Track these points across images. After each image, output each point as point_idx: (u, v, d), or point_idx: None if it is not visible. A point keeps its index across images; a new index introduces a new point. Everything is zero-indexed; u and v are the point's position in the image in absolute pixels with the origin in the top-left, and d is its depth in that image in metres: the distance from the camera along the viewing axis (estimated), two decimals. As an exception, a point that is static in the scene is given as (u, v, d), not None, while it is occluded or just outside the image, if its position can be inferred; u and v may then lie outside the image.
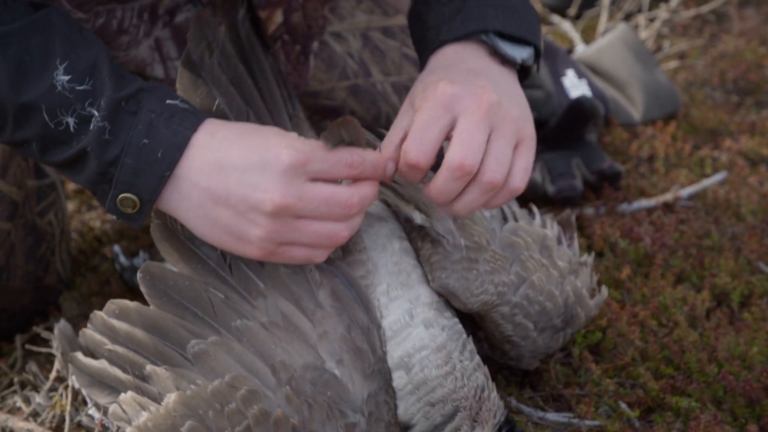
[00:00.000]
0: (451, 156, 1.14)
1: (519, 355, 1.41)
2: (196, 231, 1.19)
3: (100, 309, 1.30)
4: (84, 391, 1.39)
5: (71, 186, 2.03)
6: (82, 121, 1.14)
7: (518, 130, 1.19)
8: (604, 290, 1.54)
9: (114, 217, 1.20)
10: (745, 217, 1.95)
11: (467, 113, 1.15)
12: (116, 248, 1.80)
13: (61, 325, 1.48)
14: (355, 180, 1.17)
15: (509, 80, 1.26)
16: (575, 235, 1.60)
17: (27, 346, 1.64)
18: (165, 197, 1.17)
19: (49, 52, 1.15)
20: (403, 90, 1.76)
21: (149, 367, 1.21)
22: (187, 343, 1.21)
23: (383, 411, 1.21)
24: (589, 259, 1.56)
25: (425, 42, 1.31)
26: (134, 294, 1.56)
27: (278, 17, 1.61)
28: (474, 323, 1.39)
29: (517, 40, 1.28)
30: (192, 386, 1.18)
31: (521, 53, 1.28)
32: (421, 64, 1.33)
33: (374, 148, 1.23)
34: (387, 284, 1.26)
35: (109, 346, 1.25)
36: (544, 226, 1.49)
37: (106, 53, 1.19)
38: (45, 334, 1.60)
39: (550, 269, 1.39)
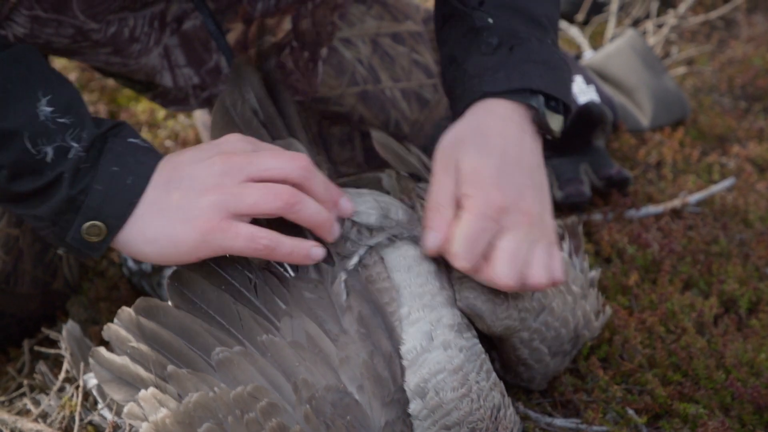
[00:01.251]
0: (501, 275, 1.21)
1: (531, 377, 1.41)
2: (150, 244, 1.19)
3: (108, 314, 1.30)
4: (95, 391, 1.39)
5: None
6: (60, 152, 1.16)
7: (550, 236, 1.26)
8: (608, 310, 1.55)
9: (62, 251, 1.22)
10: (753, 223, 1.95)
11: (513, 228, 1.22)
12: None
13: (69, 326, 1.48)
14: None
15: (540, 165, 1.30)
16: (582, 247, 1.60)
17: (36, 348, 1.64)
18: (127, 225, 1.19)
19: (31, 83, 1.18)
20: (412, 96, 1.76)
21: (171, 368, 1.21)
22: (212, 349, 1.20)
23: None
24: (596, 274, 1.56)
25: (464, 88, 1.32)
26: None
27: (287, 24, 1.62)
28: (488, 344, 1.38)
29: (555, 101, 1.32)
30: (213, 390, 1.19)
31: (557, 124, 1.32)
32: (455, 106, 1.34)
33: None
34: (408, 307, 1.25)
35: (134, 343, 1.25)
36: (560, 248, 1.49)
37: (79, 93, 1.22)
38: (53, 335, 1.60)
39: (566, 295, 1.40)
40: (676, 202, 1.97)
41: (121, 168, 1.17)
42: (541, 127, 1.31)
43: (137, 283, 1.77)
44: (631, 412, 1.50)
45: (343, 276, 1.24)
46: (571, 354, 1.45)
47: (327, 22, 1.68)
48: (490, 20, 1.32)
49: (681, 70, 2.51)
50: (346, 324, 1.21)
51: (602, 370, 1.54)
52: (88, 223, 1.17)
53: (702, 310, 1.66)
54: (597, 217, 1.95)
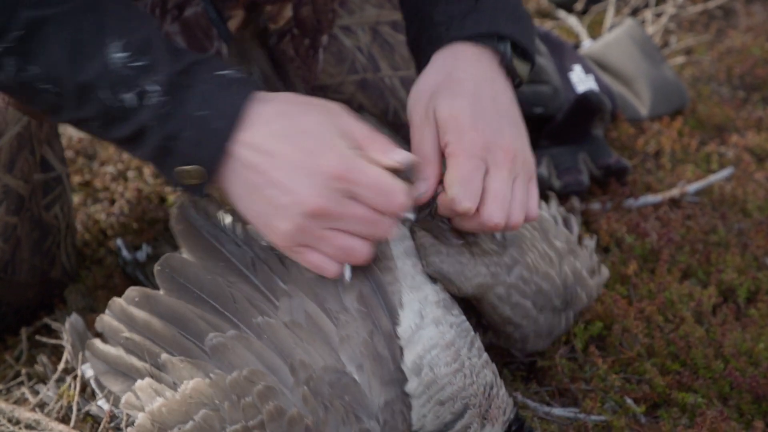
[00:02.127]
0: (493, 217, 1.23)
1: (524, 336, 1.38)
2: (236, 203, 1.20)
3: (106, 302, 1.30)
4: (92, 382, 1.39)
5: (77, 179, 2.03)
6: (140, 97, 1.14)
7: (530, 171, 1.28)
8: (605, 270, 1.54)
9: (175, 189, 1.22)
10: (751, 212, 1.95)
11: (497, 166, 1.24)
12: (119, 242, 1.80)
13: (73, 319, 1.48)
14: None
15: (514, 102, 1.31)
16: (577, 218, 1.59)
17: (37, 337, 1.63)
18: (221, 169, 1.17)
19: (103, 31, 1.15)
20: (411, 84, 1.75)
21: (164, 356, 1.21)
22: (205, 335, 1.20)
23: (398, 420, 1.20)
24: (591, 242, 1.55)
25: (430, 37, 1.33)
26: (140, 287, 1.55)
27: (288, 11, 1.61)
28: (477, 318, 1.38)
29: (521, 51, 1.33)
30: (209, 377, 1.18)
31: (524, 70, 1.34)
32: (421, 57, 1.34)
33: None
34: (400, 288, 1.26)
35: (126, 333, 1.24)
36: (539, 207, 1.48)
37: (158, 27, 1.19)
38: (55, 325, 1.60)
39: (548, 250, 1.39)
40: (674, 192, 1.97)
41: (209, 111, 1.14)
42: (509, 71, 1.32)
43: (131, 272, 1.77)
44: (629, 401, 1.50)
45: None
46: (566, 313, 1.43)
47: (327, 10, 1.68)
48: None
49: (680, 59, 2.51)
50: (347, 302, 1.21)
51: (601, 359, 1.54)
52: (184, 167, 1.16)
53: (700, 299, 1.66)
54: (595, 206, 1.95)
